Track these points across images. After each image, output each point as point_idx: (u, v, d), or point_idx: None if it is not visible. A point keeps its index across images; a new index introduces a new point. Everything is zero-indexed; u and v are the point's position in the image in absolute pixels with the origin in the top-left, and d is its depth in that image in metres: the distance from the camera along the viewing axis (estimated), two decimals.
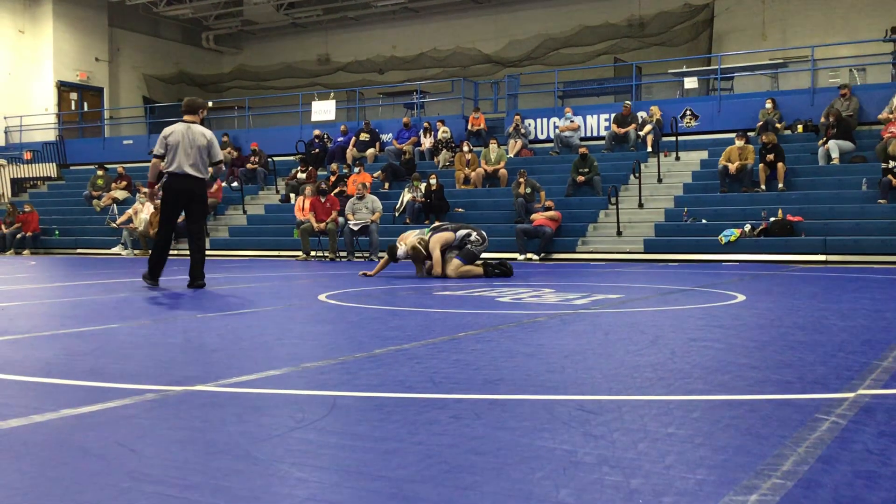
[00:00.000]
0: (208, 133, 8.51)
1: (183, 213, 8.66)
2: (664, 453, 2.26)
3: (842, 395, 3.00)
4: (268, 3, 28.20)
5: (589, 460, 2.20)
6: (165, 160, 8.43)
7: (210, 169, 8.61)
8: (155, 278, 8.58)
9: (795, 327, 5.13)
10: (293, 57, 30.11)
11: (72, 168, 26.62)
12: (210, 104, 28.70)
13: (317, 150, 21.67)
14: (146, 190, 11.34)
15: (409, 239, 10.36)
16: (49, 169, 26.66)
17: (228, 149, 22.98)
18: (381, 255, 15.65)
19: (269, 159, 22.03)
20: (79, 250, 20.88)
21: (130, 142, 26.36)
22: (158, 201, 8.67)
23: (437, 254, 10.11)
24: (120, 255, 19.38)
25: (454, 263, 10.02)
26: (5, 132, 27.56)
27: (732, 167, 15.98)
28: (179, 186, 8.36)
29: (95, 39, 28.78)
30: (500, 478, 2.06)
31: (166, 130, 8.48)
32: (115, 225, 20.38)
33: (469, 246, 10.08)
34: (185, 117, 8.54)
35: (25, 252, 20.88)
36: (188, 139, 8.31)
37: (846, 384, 3.22)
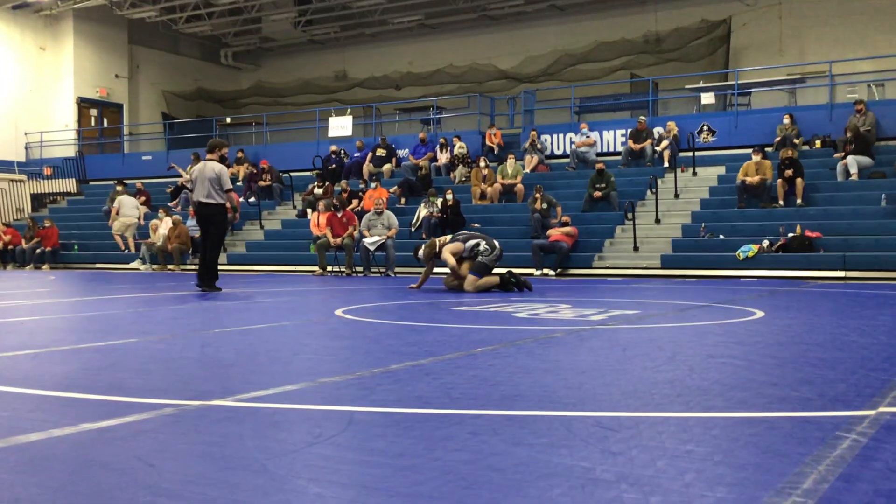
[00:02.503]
0: (217, 167, 10.41)
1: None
2: (683, 471, 2.24)
3: (863, 413, 2.98)
4: (286, 20, 28.41)
5: (607, 477, 2.19)
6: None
7: (231, 195, 10.61)
8: (209, 285, 10.41)
9: (815, 344, 5.10)
10: (311, 73, 30.30)
11: (91, 183, 26.86)
12: (228, 120, 29.10)
13: (333, 166, 21.76)
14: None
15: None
16: (69, 184, 26.91)
17: (245, 164, 23.14)
18: (397, 270, 15.72)
19: (286, 175, 22.12)
20: (98, 265, 21.02)
21: (149, 157, 26.57)
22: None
23: (452, 261, 10.27)
24: (138, 269, 19.50)
25: (469, 279, 10.09)
26: (26, 148, 27.85)
27: (751, 180, 15.92)
28: (199, 211, 10.63)
29: (115, 56, 29.09)
30: (518, 495, 2.06)
31: (193, 169, 11.00)
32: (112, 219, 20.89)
33: (480, 257, 10.17)
34: (207, 156, 10.63)
35: (45, 267, 21.05)
36: (203, 175, 10.40)
37: (867, 401, 3.19)
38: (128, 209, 21.27)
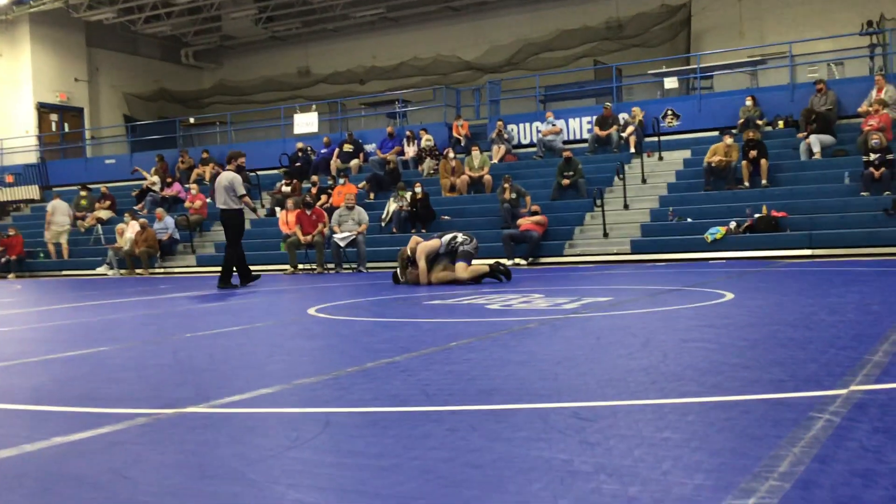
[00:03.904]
0: (229, 176, 11.58)
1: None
2: (661, 459, 2.26)
3: (835, 392, 3.01)
4: (246, 17, 28.13)
5: (586, 469, 2.20)
6: None
7: (245, 199, 11.63)
8: (224, 283, 11.47)
9: (785, 324, 5.15)
10: (273, 70, 30.05)
11: (54, 189, 26.38)
12: (192, 120, 28.80)
13: (300, 164, 21.63)
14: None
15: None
16: (31, 191, 26.50)
17: (211, 164, 22.92)
18: (369, 266, 15.68)
19: (253, 174, 21.94)
20: (64, 272, 20.74)
21: (112, 161, 26.21)
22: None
23: (422, 264, 10.27)
24: (105, 275, 19.27)
25: (460, 266, 10.11)
26: None
27: (715, 160, 16.08)
28: (220, 217, 11.99)
29: (74, 60, 28.64)
30: (499, 491, 2.06)
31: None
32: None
33: (462, 247, 10.26)
34: (227, 166, 11.93)
35: (10, 276, 20.72)
36: (220, 185, 11.56)
37: (838, 381, 3.23)
38: (59, 216, 21.22)
